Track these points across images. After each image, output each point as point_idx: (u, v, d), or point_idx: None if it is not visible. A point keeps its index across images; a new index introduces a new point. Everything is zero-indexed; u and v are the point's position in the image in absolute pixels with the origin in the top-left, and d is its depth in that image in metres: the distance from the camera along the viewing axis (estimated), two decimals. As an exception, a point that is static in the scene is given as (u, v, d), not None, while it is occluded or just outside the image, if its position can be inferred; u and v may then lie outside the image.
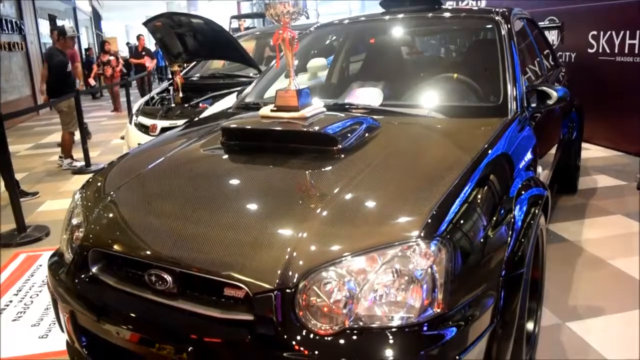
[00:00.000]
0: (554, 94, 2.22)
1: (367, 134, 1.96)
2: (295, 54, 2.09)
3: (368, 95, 2.47)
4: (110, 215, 1.72)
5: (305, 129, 1.89)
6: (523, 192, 1.75)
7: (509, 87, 2.21)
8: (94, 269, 1.65)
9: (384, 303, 1.31)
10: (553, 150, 2.95)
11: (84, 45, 17.70)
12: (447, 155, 1.87)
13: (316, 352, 1.27)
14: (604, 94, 4.95)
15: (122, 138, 5.22)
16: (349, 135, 1.88)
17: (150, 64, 11.91)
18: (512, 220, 1.60)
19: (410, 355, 1.27)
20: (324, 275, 1.31)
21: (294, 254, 1.34)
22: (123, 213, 1.73)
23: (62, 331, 1.81)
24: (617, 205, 3.71)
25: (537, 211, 1.75)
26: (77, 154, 5.97)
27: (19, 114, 4.78)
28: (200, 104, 4.33)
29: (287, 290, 1.30)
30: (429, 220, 1.37)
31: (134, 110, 4.77)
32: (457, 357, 1.32)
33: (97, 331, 1.58)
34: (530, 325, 1.93)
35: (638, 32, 4.57)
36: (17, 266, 3.27)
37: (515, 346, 1.55)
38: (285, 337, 1.29)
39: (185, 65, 5.18)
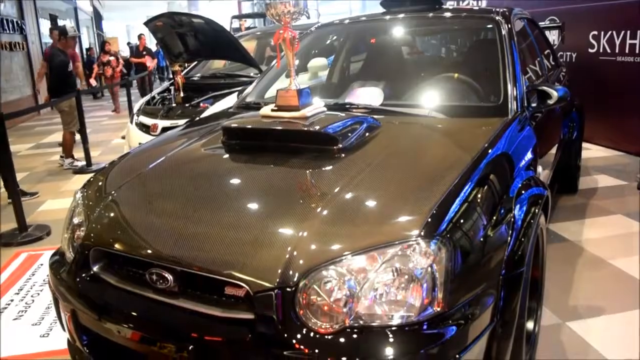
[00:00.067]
0: (555, 94, 2.22)
1: (367, 134, 1.96)
2: (296, 53, 2.09)
3: (368, 95, 2.47)
4: (112, 214, 1.73)
5: (305, 129, 1.89)
6: (523, 192, 1.75)
7: (509, 86, 2.21)
8: (95, 268, 1.65)
9: (384, 302, 1.31)
10: (554, 150, 2.95)
11: (85, 45, 17.72)
12: (447, 155, 1.87)
13: (316, 351, 1.27)
14: (604, 93, 4.95)
15: (123, 138, 5.23)
16: (349, 134, 1.89)
17: (150, 63, 11.92)
18: (512, 219, 1.61)
19: (410, 354, 1.28)
20: (325, 274, 1.32)
21: (295, 253, 1.34)
22: (124, 212, 1.73)
23: (63, 330, 1.82)
24: (618, 205, 3.71)
25: (537, 210, 1.75)
26: (78, 153, 5.97)
27: (20, 113, 4.79)
28: (201, 104, 4.34)
29: (288, 289, 1.30)
30: (429, 220, 1.38)
31: (135, 110, 4.78)
32: (457, 356, 1.32)
33: (98, 330, 1.59)
34: (530, 325, 1.93)
35: (639, 32, 4.57)
36: (18, 265, 3.28)
37: (515, 345, 1.55)
38: (286, 335, 1.30)
39: (186, 65, 5.18)
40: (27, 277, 3.10)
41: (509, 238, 1.56)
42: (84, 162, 5.81)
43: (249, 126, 2.10)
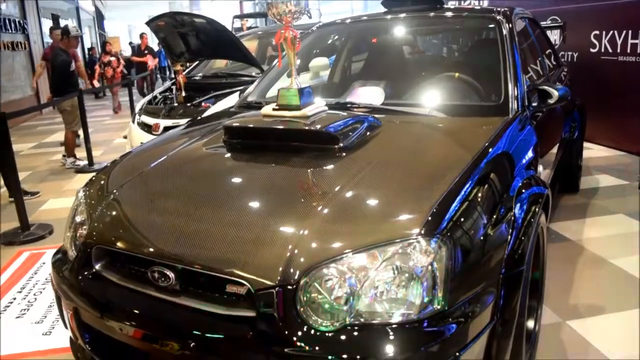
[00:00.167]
0: (555, 93, 2.23)
1: (368, 133, 1.97)
2: (297, 53, 2.10)
3: (370, 94, 2.48)
4: (114, 212, 1.73)
5: (307, 128, 1.90)
6: (523, 191, 1.76)
7: (510, 86, 2.21)
8: (97, 266, 1.66)
9: (384, 300, 1.32)
10: (555, 150, 2.96)
11: (87, 45, 17.74)
12: (448, 154, 1.88)
13: (317, 348, 1.28)
14: (606, 93, 4.94)
15: (125, 137, 5.24)
16: (350, 133, 1.90)
17: (151, 62, 11.94)
18: (513, 218, 1.61)
19: (411, 352, 1.28)
20: (325, 272, 1.32)
21: (296, 251, 1.35)
22: (126, 211, 1.74)
23: (66, 328, 1.83)
24: (619, 204, 3.71)
25: (537, 209, 1.76)
26: (80, 153, 5.99)
27: (23, 113, 4.80)
28: (203, 103, 4.35)
29: (289, 287, 1.31)
30: (430, 218, 1.38)
31: (137, 110, 4.79)
32: (457, 354, 1.33)
33: (101, 328, 1.60)
34: (530, 324, 1.94)
35: (640, 31, 4.57)
36: (21, 264, 3.29)
37: (515, 344, 1.55)
38: (287, 333, 1.30)
39: (187, 64, 5.19)
40: (30, 275, 3.11)
41: (509, 237, 1.57)
42: (85, 162, 5.83)
43: (251, 125, 2.11)
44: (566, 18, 4.95)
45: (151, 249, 1.52)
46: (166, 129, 4.01)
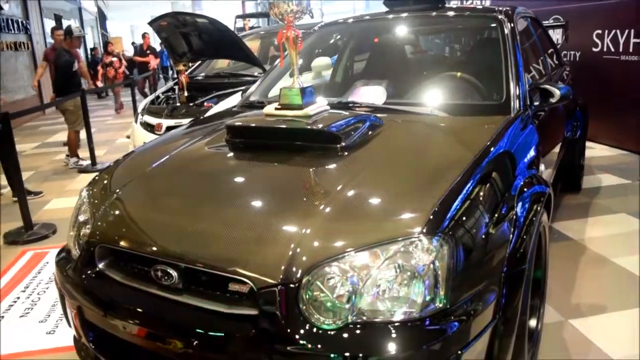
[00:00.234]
0: (557, 92, 2.23)
1: (370, 132, 1.97)
2: (300, 52, 2.10)
3: (372, 94, 2.48)
4: (117, 212, 1.74)
5: (309, 127, 1.91)
6: (525, 190, 1.76)
7: (512, 85, 2.21)
8: (100, 265, 1.67)
9: (386, 298, 1.33)
10: (557, 149, 2.96)
11: (90, 45, 17.78)
12: (449, 153, 1.88)
13: (319, 347, 1.29)
14: (608, 92, 4.94)
15: (128, 137, 5.25)
16: (352, 133, 1.90)
17: (153, 62, 11.96)
18: (514, 217, 1.61)
19: (412, 350, 1.29)
20: (327, 270, 1.33)
21: (298, 249, 1.36)
22: (129, 210, 1.75)
23: (70, 326, 1.84)
24: (621, 203, 3.71)
25: (539, 208, 1.76)
26: (83, 152, 6.00)
27: (25, 113, 4.81)
28: (205, 103, 4.36)
29: (291, 285, 1.32)
30: (431, 217, 1.39)
31: (139, 109, 4.80)
32: (459, 352, 1.33)
33: (104, 326, 1.61)
34: (533, 322, 1.94)
35: (643, 31, 4.56)
36: (25, 263, 3.30)
37: (517, 342, 1.56)
38: (289, 331, 1.31)
39: (190, 64, 5.20)
40: (33, 274, 3.13)
41: (511, 235, 1.57)
42: (88, 161, 5.84)
43: (253, 125, 2.11)
44: (568, 17, 4.94)
45: (154, 248, 1.53)
46: (169, 128, 4.02)
